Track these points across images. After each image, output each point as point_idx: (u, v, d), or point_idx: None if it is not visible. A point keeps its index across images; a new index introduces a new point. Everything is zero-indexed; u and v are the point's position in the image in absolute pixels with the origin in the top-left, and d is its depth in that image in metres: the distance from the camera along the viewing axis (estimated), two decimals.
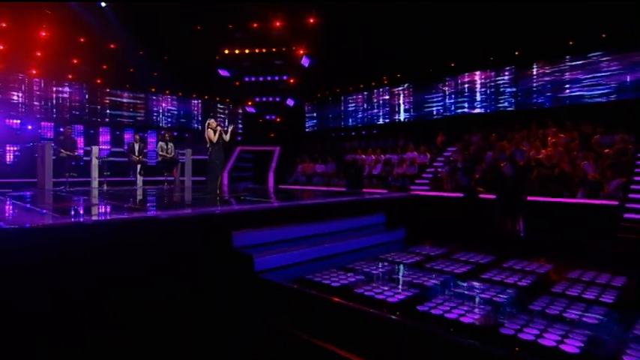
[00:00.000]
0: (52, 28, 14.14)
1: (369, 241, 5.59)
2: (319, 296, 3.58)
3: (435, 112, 15.61)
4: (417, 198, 8.01)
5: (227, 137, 7.33)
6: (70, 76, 15.57)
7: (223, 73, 17.72)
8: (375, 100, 17.85)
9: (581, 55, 11.69)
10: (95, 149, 10.22)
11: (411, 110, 16.57)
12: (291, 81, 18.12)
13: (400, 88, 16.91)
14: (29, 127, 15.31)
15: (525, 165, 9.52)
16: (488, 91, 13.86)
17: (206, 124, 7.30)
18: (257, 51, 16.80)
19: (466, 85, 14.48)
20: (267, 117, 19.91)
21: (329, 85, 18.74)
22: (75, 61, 15.22)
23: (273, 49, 16.88)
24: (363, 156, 14.26)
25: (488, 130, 12.66)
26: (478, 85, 14.15)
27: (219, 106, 20.30)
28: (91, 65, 15.51)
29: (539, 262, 4.85)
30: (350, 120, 18.78)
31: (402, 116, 16.86)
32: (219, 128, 7.20)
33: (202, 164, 15.23)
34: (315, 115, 20.40)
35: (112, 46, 15.30)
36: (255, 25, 15.71)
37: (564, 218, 8.03)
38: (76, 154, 9.68)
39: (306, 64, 17.77)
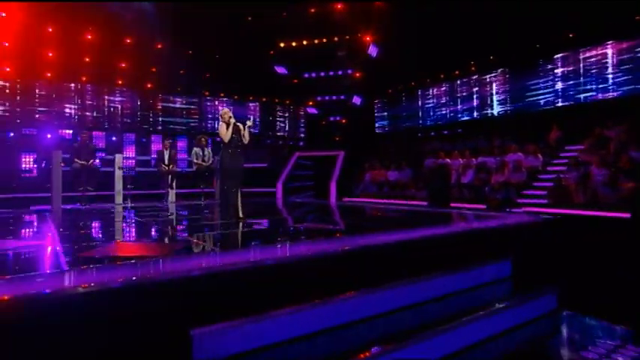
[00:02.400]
0: (97, 30, 13.17)
1: (490, 327, 2.80)
2: None
3: (542, 102, 12.02)
4: (560, 222, 4.87)
5: (246, 135, 4.98)
6: (120, 82, 14.59)
7: (280, 70, 15.72)
8: (459, 93, 14.65)
9: None
10: (118, 158, 8.54)
11: (508, 101, 13.13)
12: (357, 75, 15.57)
13: (492, 75, 13.57)
14: (78, 138, 14.59)
15: None
16: (628, 67, 10.05)
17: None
18: (316, 42, 14.52)
19: (591, 61, 10.77)
20: (332, 118, 17.57)
21: (402, 77, 15.88)
22: (123, 65, 14.17)
23: (335, 38, 14.49)
24: (448, 160, 11.20)
25: (632, 119, 8.96)
26: (610, 60, 10.39)
27: (278, 108, 18.48)
28: (140, 69, 14.39)
29: None
30: (428, 118, 15.74)
31: (496, 109, 13.46)
32: (233, 121, 4.88)
33: (252, 173, 13.31)
34: (386, 113, 17.64)
35: (159, 46, 14.02)
36: (312, 10, 13.48)
37: None
38: (94, 164, 8.03)
39: (374, 54, 15.11)
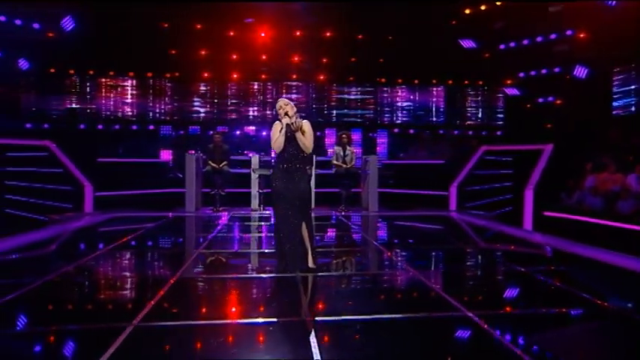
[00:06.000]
0: (270, 27, 13.24)
1: None
2: None
3: None
4: None
5: (306, 142, 3.05)
6: (294, 76, 14.49)
7: (467, 43, 12.65)
8: None
9: None
10: (255, 160, 7.83)
11: None
12: (581, 36, 11.06)
13: None
14: (264, 133, 15.25)
15: None
16: None
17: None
18: None
19: None
20: (540, 99, 13.36)
21: None
22: (296, 59, 13.95)
23: None
24: None
25: None
26: None
27: (469, 91, 15.25)
28: (311, 60, 13.94)
29: None
30: None
31: None
32: (287, 120, 3.04)
33: (423, 172, 10.99)
34: (632, 87, 12.16)
35: (328, 34, 13.12)
36: None
37: None
38: (225, 167, 7.51)
39: (612, 1, 10.36)
